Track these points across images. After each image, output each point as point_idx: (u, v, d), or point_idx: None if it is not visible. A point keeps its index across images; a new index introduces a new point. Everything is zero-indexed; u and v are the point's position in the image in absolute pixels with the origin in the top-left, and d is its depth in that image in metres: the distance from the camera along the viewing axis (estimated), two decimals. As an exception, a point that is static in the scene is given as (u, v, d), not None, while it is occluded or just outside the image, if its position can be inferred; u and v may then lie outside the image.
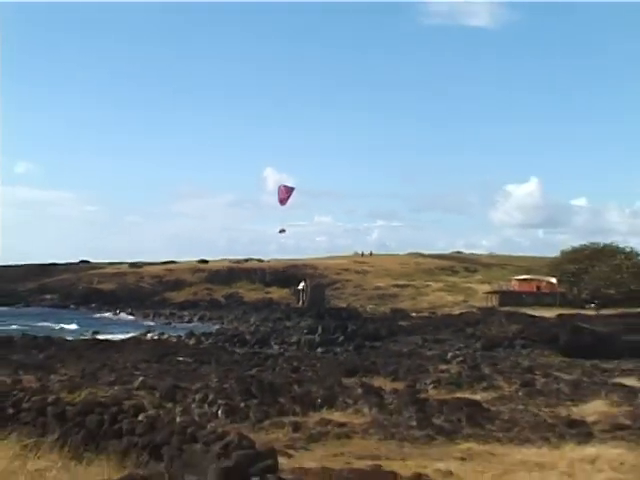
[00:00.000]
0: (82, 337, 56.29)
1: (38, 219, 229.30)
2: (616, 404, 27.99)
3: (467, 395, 29.84)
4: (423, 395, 29.31)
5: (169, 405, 24.98)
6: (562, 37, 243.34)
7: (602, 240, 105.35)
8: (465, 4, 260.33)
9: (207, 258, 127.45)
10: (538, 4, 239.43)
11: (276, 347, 55.78)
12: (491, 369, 39.73)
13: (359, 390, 29.68)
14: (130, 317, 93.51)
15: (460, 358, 46.32)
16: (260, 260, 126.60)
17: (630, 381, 35.52)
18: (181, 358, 41.59)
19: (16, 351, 42.07)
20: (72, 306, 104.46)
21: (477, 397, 29.40)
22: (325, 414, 25.07)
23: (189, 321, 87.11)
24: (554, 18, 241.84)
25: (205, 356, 43.29)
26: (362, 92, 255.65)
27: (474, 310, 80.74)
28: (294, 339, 60.34)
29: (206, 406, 25.10)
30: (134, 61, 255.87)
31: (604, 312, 75.86)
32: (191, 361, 40.09)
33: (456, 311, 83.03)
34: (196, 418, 22.44)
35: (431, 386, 32.87)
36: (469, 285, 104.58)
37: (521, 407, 27.81)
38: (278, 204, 72.98)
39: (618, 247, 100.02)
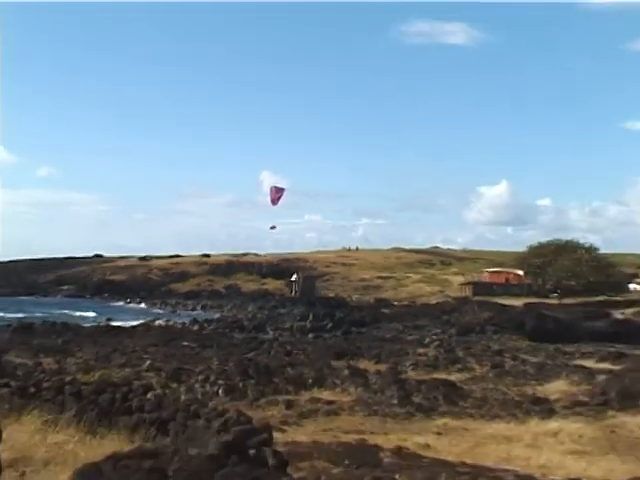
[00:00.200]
0: (96, 324, 56.04)
1: (57, 218, 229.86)
2: (576, 383, 28.10)
3: (443, 376, 29.92)
4: (403, 376, 29.34)
5: (174, 385, 24.98)
6: (528, 54, 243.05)
7: (564, 236, 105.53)
8: (443, 25, 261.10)
9: (209, 252, 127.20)
10: (509, 26, 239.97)
11: (271, 333, 55.60)
12: (465, 352, 39.83)
13: (346, 371, 29.68)
14: (140, 306, 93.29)
15: (437, 343, 46.39)
16: (257, 254, 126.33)
17: (589, 363, 35.70)
18: (185, 343, 41.51)
19: (37, 336, 41.96)
20: (87, 296, 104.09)
21: (452, 378, 29.48)
22: (315, 393, 25.11)
23: (193, 309, 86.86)
24: (522, 37, 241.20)
25: (207, 341, 43.25)
26: (351, 104, 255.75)
27: (449, 299, 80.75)
28: (287, 325, 60.25)
29: (208, 386, 25.09)
30: (142, 68, 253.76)
31: (566, 301, 76.10)
32: (194, 345, 40.03)
33: (433, 300, 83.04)
34: (199, 397, 22.46)
35: (411, 368, 32.93)
36: (445, 277, 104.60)
37: (491, 386, 27.93)
38: (272, 204, 72.46)
39: (579, 243, 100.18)
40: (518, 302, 71.79)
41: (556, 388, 27.29)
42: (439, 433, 19.15)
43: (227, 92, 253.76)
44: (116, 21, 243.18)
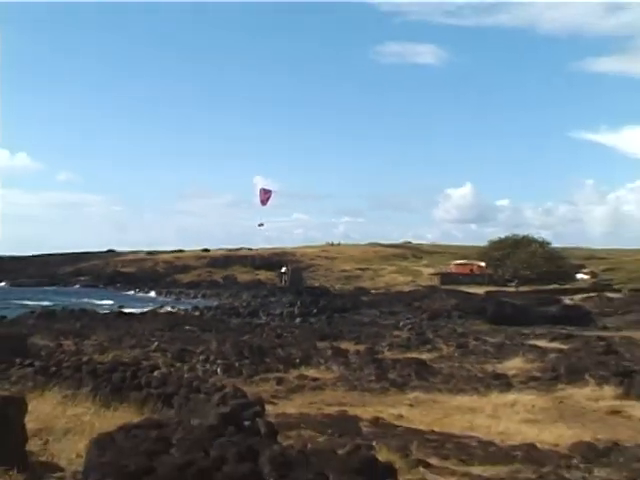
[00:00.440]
0: (110, 311, 55.92)
1: (75, 217, 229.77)
2: (530, 361, 28.24)
3: (415, 355, 29.96)
4: (380, 355, 29.41)
5: (178, 364, 24.91)
6: (489, 73, 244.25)
7: (520, 232, 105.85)
8: (414, 46, 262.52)
9: (208, 247, 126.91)
10: (472, 48, 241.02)
11: (263, 318, 55.34)
12: (433, 335, 39.81)
13: (329, 352, 29.71)
14: (148, 294, 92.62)
15: (409, 326, 46.40)
16: (250, 249, 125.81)
17: (541, 343, 35.81)
18: (188, 327, 41.34)
19: (58, 321, 41.75)
20: (101, 286, 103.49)
21: (423, 357, 29.49)
22: (302, 371, 25.12)
23: (194, 297, 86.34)
24: (484, 58, 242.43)
25: (207, 325, 43.11)
26: (334, 116, 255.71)
27: (420, 288, 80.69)
28: (278, 312, 60.00)
29: (208, 365, 25.07)
30: (147, 80, 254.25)
31: (522, 289, 76.36)
32: (196, 329, 39.86)
33: (406, 289, 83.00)
34: (200, 374, 22.41)
35: (386, 348, 32.93)
36: (417, 268, 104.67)
37: (457, 364, 27.97)
38: (261, 204, 72.09)
39: (533, 238, 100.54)
40: (480, 290, 71.94)
41: (513, 365, 27.41)
42: (411, 405, 19.22)
43: (223, 103, 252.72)
44: (112, 25, 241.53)
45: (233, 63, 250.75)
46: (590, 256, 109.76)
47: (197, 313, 57.06)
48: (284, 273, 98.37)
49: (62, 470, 6.98)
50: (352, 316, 56.72)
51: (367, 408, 18.10)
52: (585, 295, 69.16)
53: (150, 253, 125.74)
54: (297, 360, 27.44)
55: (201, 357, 26.56)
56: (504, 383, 23.11)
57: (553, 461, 12.34)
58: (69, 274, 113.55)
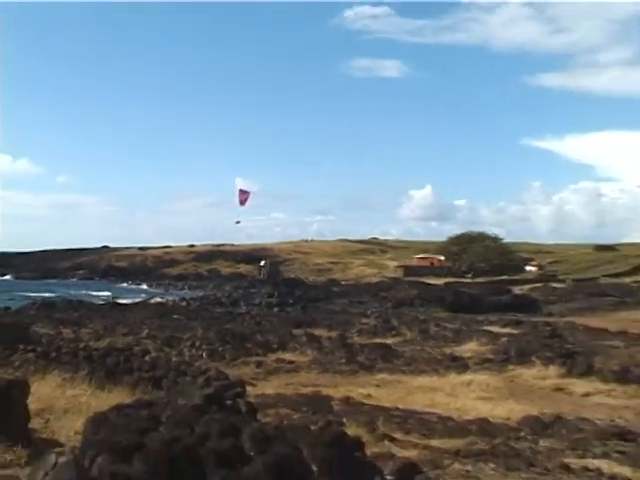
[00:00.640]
0: (104, 301, 55.65)
1: (72, 217, 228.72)
2: (484, 344, 28.39)
3: (381, 340, 30.04)
4: (350, 341, 29.43)
5: (167, 349, 24.82)
6: (448, 85, 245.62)
7: (476, 229, 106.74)
8: (382, 61, 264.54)
9: (194, 243, 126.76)
10: (433, 63, 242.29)
11: (244, 307, 55.13)
12: (398, 321, 39.86)
13: (304, 338, 29.71)
14: (139, 286, 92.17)
15: (376, 314, 46.46)
16: (232, 245, 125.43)
17: (494, 328, 36.03)
18: (176, 316, 41.19)
19: (57, 311, 41.43)
20: (96, 278, 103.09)
21: (388, 341, 29.59)
22: (280, 355, 25.11)
23: (181, 289, 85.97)
24: (444, 72, 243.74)
25: (193, 314, 42.98)
26: (309, 124, 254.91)
27: (386, 280, 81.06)
28: (257, 301, 59.88)
29: (194, 350, 24.97)
30: (137, 92, 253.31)
31: (477, 280, 76.95)
32: (183, 318, 39.71)
33: (373, 280, 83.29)
34: (186, 359, 22.33)
35: (355, 334, 32.98)
36: (382, 262, 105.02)
37: (419, 348, 28.05)
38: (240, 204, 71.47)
39: (487, 234, 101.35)
40: (440, 281, 72.41)
41: (469, 348, 27.55)
42: (378, 385, 19.29)
43: (207, 112, 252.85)
44: (106, 30, 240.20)
45: (218, 75, 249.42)
46: (537, 250, 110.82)
47: (184, 303, 56.80)
48: (263, 267, 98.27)
49: (62, 446, 7.01)
50: (324, 305, 56.77)
51: (338, 388, 18.14)
52: (533, 285, 69.91)
53: (141, 249, 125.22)
54: (275, 345, 27.44)
55: (188, 343, 26.44)
56: (461, 365, 23.20)
57: (504, 433, 12.45)
58: (67, 268, 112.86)
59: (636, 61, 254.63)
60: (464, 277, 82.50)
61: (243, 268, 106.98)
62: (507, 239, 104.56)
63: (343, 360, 23.86)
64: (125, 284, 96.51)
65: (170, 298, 64.47)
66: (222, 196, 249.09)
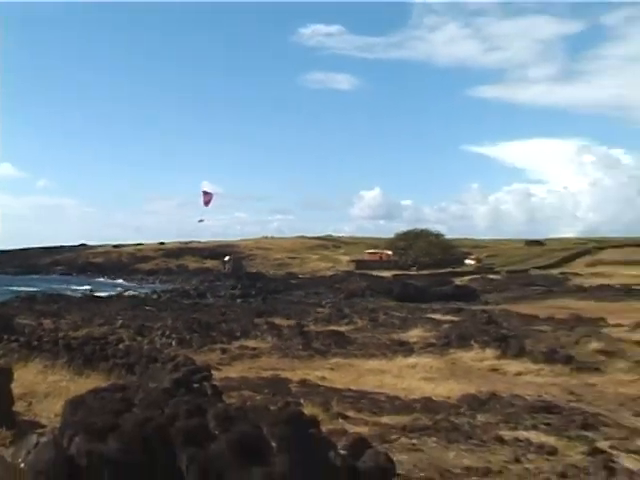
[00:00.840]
0: (82, 294, 54.91)
1: (52, 217, 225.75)
2: (428, 330, 28.56)
3: (335, 328, 30.03)
4: (306, 328, 29.38)
5: (139, 338, 24.57)
6: (391, 98, 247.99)
7: (420, 226, 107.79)
8: (334, 75, 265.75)
9: (164, 241, 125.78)
10: (378, 77, 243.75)
11: (210, 299, 54.90)
12: (350, 310, 39.97)
13: (265, 326, 29.63)
14: (114, 281, 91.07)
15: (330, 304, 46.60)
16: (199, 242, 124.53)
17: (437, 316, 36.31)
18: (148, 307, 40.83)
19: (39, 304, 40.80)
20: (74, 274, 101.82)
21: (341, 329, 29.63)
22: (243, 342, 24.98)
23: (152, 283, 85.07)
24: (389, 86, 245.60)
25: (163, 306, 42.61)
26: (270, 132, 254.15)
27: (339, 273, 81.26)
28: (222, 293, 59.65)
29: (164, 338, 24.74)
30: (110, 104, 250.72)
31: (422, 272, 77.61)
32: (154, 309, 39.39)
33: (328, 274, 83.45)
34: (157, 346, 22.18)
35: (311, 322, 33.01)
36: (336, 256, 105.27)
37: (369, 334, 28.15)
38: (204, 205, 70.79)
39: (430, 231, 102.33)
40: (388, 274, 72.86)
41: (414, 334, 27.71)
42: (332, 369, 19.33)
43: (177, 121, 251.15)
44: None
45: (188, 89, 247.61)
46: (475, 245, 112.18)
47: (155, 296, 56.22)
48: (227, 262, 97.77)
49: (43, 427, 7.02)
50: (284, 296, 56.74)
51: (296, 372, 18.15)
52: (471, 277, 70.86)
53: (115, 246, 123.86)
54: (238, 333, 27.32)
55: (158, 332, 26.20)
56: (407, 349, 23.32)
57: (445, 410, 12.59)
58: (48, 264, 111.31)
59: (560, 77, 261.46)
60: (410, 270, 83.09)
61: (209, 263, 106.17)
62: (448, 235, 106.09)
63: (300, 346, 23.85)
64: (102, 279, 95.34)
65: (142, 291, 63.86)
66: (190, 197, 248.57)
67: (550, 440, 9.93)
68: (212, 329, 28.33)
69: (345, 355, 22.13)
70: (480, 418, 11.98)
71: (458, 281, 65.89)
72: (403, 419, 11.09)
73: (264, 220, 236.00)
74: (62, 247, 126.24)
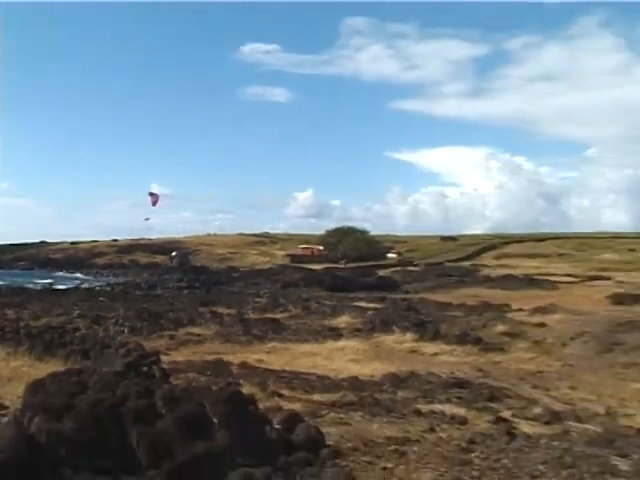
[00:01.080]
0: (42, 287, 53.35)
1: (15, 217, 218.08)
2: (355, 317, 28.67)
3: (271, 315, 30.03)
4: (246, 316, 29.32)
5: (95, 326, 24.09)
6: (323, 109, 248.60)
7: (348, 224, 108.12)
8: (271, 89, 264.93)
9: (117, 238, 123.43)
10: (310, 91, 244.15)
11: (159, 290, 53.86)
12: (285, 300, 39.85)
13: (209, 315, 29.45)
14: (73, 275, 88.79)
15: (267, 294, 46.41)
16: (149, 239, 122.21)
17: (362, 304, 36.51)
18: (102, 298, 39.99)
19: (2, 296, 39.49)
20: (36, 269, 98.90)
21: (277, 316, 29.64)
22: (188, 329, 24.75)
23: (107, 276, 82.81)
24: (319, 99, 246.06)
25: (116, 297, 41.70)
26: (211, 140, 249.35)
27: (275, 266, 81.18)
28: (170, 285, 58.73)
29: (117, 327, 24.29)
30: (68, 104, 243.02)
31: (349, 265, 78.20)
32: (108, 300, 38.59)
33: (265, 267, 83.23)
34: (111, 334, 21.83)
35: (250, 311, 32.85)
36: (273, 252, 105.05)
37: (302, 321, 28.18)
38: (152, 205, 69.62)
39: (356, 228, 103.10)
40: (319, 267, 72.99)
41: (343, 320, 27.85)
42: (269, 352, 19.37)
43: (130, 129, 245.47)
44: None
45: (139, 102, 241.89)
46: (397, 241, 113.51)
47: (109, 288, 54.98)
48: (174, 256, 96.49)
49: (7, 408, 6.88)
50: (225, 288, 56.20)
51: (237, 355, 18.12)
52: (393, 269, 71.56)
53: (73, 243, 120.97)
54: (185, 321, 27.05)
55: (112, 321, 25.70)
56: (336, 334, 23.47)
57: (370, 387, 12.80)
58: (11, 260, 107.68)
59: (470, 93, 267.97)
60: (339, 263, 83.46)
61: (158, 258, 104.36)
62: (373, 232, 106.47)
63: (240, 332, 23.82)
64: (61, 273, 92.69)
65: (98, 284, 62.33)
66: (140, 198, 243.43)
67: (461, 411, 10.24)
68: (161, 318, 27.92)
69: (281, 340, 22.17)
70: (400, 394, 12.25)
71: (381, 273, 66.48)
72: (332, 396, 11.21)
73: (207, 219, 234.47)
74: (24, 244, 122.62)
